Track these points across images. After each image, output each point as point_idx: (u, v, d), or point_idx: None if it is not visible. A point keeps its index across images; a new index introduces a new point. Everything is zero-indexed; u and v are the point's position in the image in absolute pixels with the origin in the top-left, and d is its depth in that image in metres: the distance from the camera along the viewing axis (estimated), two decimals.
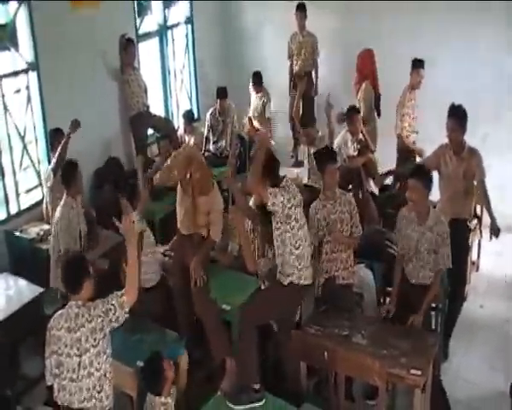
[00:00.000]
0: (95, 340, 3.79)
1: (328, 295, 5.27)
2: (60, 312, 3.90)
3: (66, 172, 5.89)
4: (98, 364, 3.82)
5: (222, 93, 8.80)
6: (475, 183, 5.79)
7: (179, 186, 5.59)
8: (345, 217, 5.24)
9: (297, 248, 4.60)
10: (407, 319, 4.94)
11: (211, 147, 8.95)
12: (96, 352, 3.80)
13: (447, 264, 5.02)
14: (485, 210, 6.56)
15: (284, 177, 4.76)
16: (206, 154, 8.77)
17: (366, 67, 8.64)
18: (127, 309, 3.87)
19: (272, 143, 8.72)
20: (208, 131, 8.98)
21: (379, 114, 8.52)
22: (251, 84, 9.20)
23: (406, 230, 5.10)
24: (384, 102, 8.48)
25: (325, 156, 5.37)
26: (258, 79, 9.17)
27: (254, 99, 9.31)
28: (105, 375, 3.89)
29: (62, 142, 6.42)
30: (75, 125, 6.48)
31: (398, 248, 5.24)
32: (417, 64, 7.68)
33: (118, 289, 3.95)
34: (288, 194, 4.52)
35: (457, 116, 5.62)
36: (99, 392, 3.87)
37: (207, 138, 8.98)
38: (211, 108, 8.98)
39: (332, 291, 5.25)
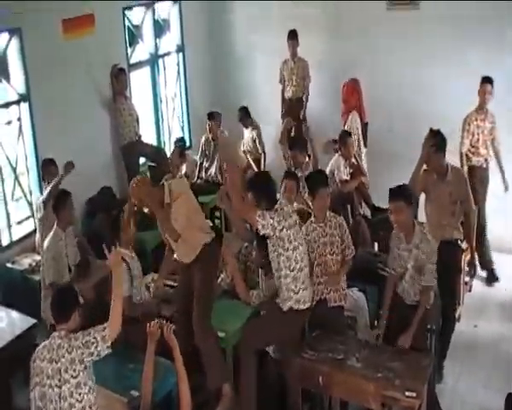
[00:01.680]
0: (74, 371, 3.78)
1: (318, 317, 5.26)
2: (43, 343, 3.92)
3: (57, 202, 5.89)
4: (79, 395, 3.81)
5: (212, 116, 8.79)
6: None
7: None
8: (335, 240, 5.25)
9: (292, 271, 4.59)
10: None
11: (203, 174, 8.95)
12: (76, 383, 3.80)
13: (429, 281, 5.01)
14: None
15: (279, 200, 4.77)
16: (199, 181, 8.79)
17: (352, 98, 8.72)
18: (109, 343, 3.87)
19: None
20: (202, 157, 8.97)
21: (365, 144, 8.56)
22: (240, 120, 9.20)
23: (398, 250, 5.13)
24: (374, 128, 8.56)
25: (317, 180, 5.38)
26: (244, 114, 9.15)
27: (246, 133, 9.32)
28: (89, 407, 3.87)
29: (54, 181, 6.40)
30: (69, 167, 6.48)
31: (391, 268, 5.24)
32: (484, 80, 7.32)
33: (107, 319, 3.94)
34: (279, 216, 4.51)
35: (435, 142, 5.64)
36: None
37: (201, 164, 8.96)
38: (204, 134, 8.98)
39: (323, 314, 5.23)
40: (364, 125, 8.69)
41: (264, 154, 9.27)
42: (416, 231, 5.00)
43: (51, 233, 5.80)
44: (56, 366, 3.78)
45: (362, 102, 8.75)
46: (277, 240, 4.52)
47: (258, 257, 5.32)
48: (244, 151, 9.35)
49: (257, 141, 9.18)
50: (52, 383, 3.80)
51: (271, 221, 4.44)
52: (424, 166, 5.76)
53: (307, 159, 7.22)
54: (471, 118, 7.30)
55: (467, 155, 7.37)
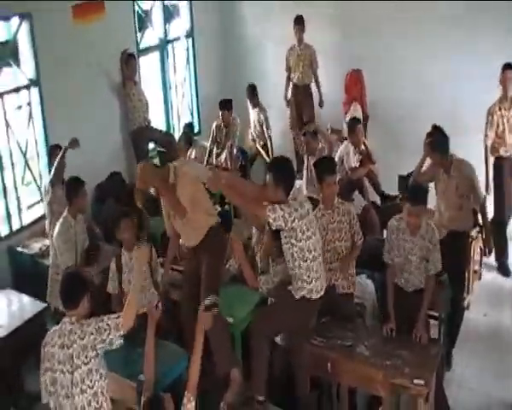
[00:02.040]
0: (86, 357, 3.77)
1: (327, 304, 5.26)
2: (54, 328, 3.92)
3: (69, 189, 5.85)
4: (90, 381, 3.81)
5: (224, 105, 8.71)
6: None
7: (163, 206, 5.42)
8: (343, 226, 5.24)
9: (305, 261, 4.54)
10: (408, 329, 4.95)
11: (214, 160, 8.94)
12: (88, 369, 3.79)
13: (438, 267, 5.05)
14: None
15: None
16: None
17: (354, 88, 8.69)
18: (121, 332, 3.85)
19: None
20: (213, 143, 8.91)
21: (365, 136, 8.52)
22: (248, 99, 9.11)
23: (398, 241, 5.12)
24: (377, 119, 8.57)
25: (325, 167, 5.36)
26: (251, 92, 9.05)
27: (252, 115, 9.24)
28: (101, 393, 3.88)
29: (59, 155, 6.37)
30: (73, 143, 6.43)
31: (388, 259, 5.24)
32: (505, 67, 6.95)
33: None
34: (289, 207, 4.45)
35: (431, 139, 5.66)
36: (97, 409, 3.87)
37: (211, 151, 8.91)
38: (216, 120, 8.91)
39: (332, 300, 5.24)
40: (365, 118, 8.65)
41: (271, 138, 9.20)
42: (423, 223, 5.01)
43: (61, 220, 5.77)
44: (68, 352, 3.77)
45: (364, 94, 8.72)
46: (290, 231, 4.48)
47: (267, 244, 5.30)
48: (253, 138, 9.31)
49: (264, 124, 9.09)
50: (64, 369, 3.79)
51: (282, 213, 4.39)
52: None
53: (320, 145, 7.20)
54: (494, 108, 7.06)
55: (494, 146, 7.11)
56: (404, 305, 5.07)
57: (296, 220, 4.44)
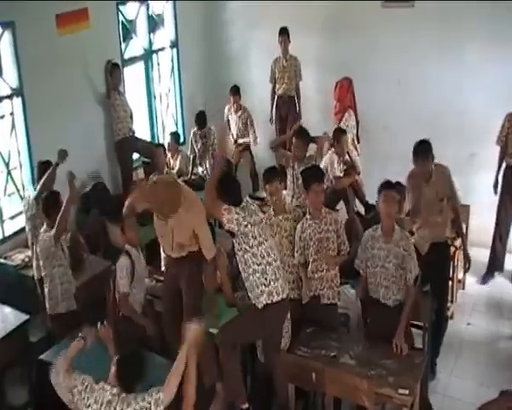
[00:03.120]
0: None
1: (312, 314, 5.26)
2: (90, 389, 3.76)
3: (47, 203, 5.68)
4: None
5: (198, 119, 8.74)
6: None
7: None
8: (331, 236, 5.26)
9: (259, 265, 4.56)
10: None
11: (199, 170, 8.94)
12: None
13: (415, 273, 5.02)
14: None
15: (245, 198, 4.76)
16: (193, 177, 8.76)
17: (346, 97, 8.72)
18: (162, 408, 3.66)
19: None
20: (194, 153, 8.94)
21: (358, 141, 8.60)
22: (231, 99, 9.08)
23: (373, 249, 5.10)
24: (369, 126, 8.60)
25: (310, 175, 5.38)
26: (236, 93, 9.05)
27: (234, 118, 9.21)
28: None
29: (48, 171, 6.26)
30: (62, 155, 6.34)
31: (361, 268, 5.22)
32: None
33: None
34: (244, 212, 4.51)
35: (420, 155, 5.64)
36: None
37: (194, 161, 8.94)
38: (192, 131, 8.97)
39: (316, 311, 5.24)
40: (357, 124, 8.70)
41: (256, 138, 9.18)
42: (396, 230, 5.02)
43: (41, 235, 5.62)
44: None
45: (355, 101, 8.77)
46: (241, 236, 4.51)
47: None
48: (235, 141, 9.26)
49: (249, 123, 9.11)
50: None
51: (236, 216, 4.44)
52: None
53: (309, 154, 7.21)
54: None
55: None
56: (387, 320, 5.03)
57: (249, 226, 4.49)
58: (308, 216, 5.33)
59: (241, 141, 9.24)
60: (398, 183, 6.69)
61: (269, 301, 4.61)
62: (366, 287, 5.22)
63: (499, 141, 7.20)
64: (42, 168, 6.55)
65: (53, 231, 5.48)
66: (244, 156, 9.35)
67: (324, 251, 5.26)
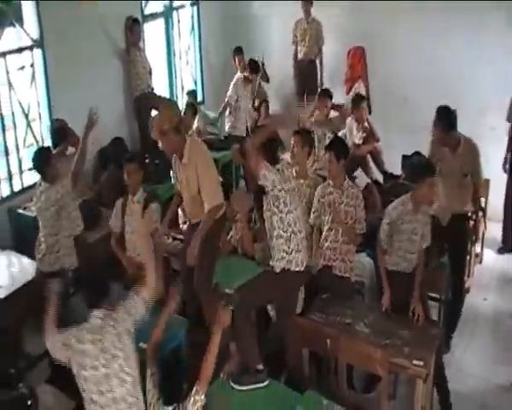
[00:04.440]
0: (122, 344, 3.73)
1: (323, 282, 5.28)
2: (81, 326, 3.80)
3: (39, 159, 5.45)
4: (128, 368, 3.74)
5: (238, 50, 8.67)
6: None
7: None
8: (350, 210, 5.22)
9: (285, 232, 4.54)
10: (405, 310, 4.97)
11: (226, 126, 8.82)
12: (125, 356, 3.73)
13: (428, 241, 5.07)
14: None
15: (282, 159, 4.75)
16: (211, 137, 8.70)
17: (358, 65, 8.63)
18: (148, 305, 3.90)
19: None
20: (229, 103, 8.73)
21: (370, 112, 8.48)
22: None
23: (402, 224, 5.05)
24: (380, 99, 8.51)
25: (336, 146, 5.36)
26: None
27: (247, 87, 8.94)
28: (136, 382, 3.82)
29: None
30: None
31: (382, 241, 5.17)
32: None
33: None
34: (281, 176, 4.49)
35: (440, 120, 5.61)
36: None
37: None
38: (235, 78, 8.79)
39: (328, 280, 5.26)
40: (368, 96, 8.62)
41: (268, 77, 9.09)
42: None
43: (51, 189, 5.39)
44: (101, 346, 3.67)
45: (367, 71, 8.69)
46: (273, 198, 4.49)
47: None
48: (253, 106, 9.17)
49: (260, 88, 9.02)
50: (96, 364, 3.67)
51: (273, 177, 4.41)
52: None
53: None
54: None
55: None
56: (405, 287, 5.04)
57: (282, 191, 4.47)
58: (330, 182, 5.30)
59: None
60: (417, 153, 6.68)
61: (287, 268, 4.62)
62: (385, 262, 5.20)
63: (510, 118, 7.11)
64: (58, 132, 6.40)
65: (69, 176, 5.40)
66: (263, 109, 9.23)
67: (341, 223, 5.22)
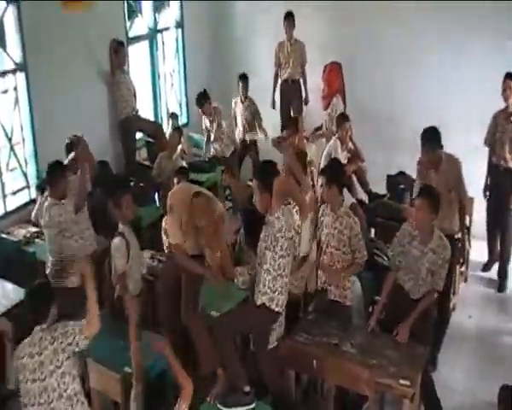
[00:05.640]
0: (58, 361, 3.83)
1: (319, 306, 5.29)
2: (24, 341, 3.94)
3: (53, 173, 5.54)
4: (64, 384, 3.88)
5: (200, 99, 8.52)
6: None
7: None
8: (343, 238, 5.14)
9: (274, 270, 4.54)
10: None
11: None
12: (61, 373, 3.85)
13: (440, 285, 4.92)
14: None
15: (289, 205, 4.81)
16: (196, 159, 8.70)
17: (336, 81, 8.67)
18: (87, 335, 3.93)
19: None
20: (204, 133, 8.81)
21: None
22: (241, 89, 8.90)
23: (409, 245, 4.96)
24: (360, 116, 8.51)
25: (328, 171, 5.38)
26: (245, 82, 8.86)
27: (241, 109, 9.03)
28: (75, 395, 3.94)
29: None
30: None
31: (393, 264, 5.13)
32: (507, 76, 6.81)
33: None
34: (288, 224, 4.53)
35: (427, 142, 5.63)
36: None
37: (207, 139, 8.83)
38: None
39: (323, 305, 5.28)
40: (344, 109, 8.64)
41: (265, 131, 8.99)
42: (435, 236, 4.87)
43: (56, 208, 5.50)
44: (39, 359, 3.82)
45: (344, 86, 8.74)
46: (272, 236, 4.51)
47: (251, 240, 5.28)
48: (243, 134, 9.14)
49: (256, 116, 8.95)
50: (35, 378, 3.83)
51: (283, 223, 4.48)
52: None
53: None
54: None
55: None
56: (404, 308, 4.97)
57: (284, 238, 4.51)
58: (328, 206, 5.29)
59: (248, 137, 9.08)
60: (401, 172, 6.70)
61: (267, 304, 4.60)
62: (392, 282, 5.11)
63: (486, 142, 7.07)
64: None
65: (73, 202, 5.54)
66: (250, 150, 9.17)
67: (334, 250, 5.18)
